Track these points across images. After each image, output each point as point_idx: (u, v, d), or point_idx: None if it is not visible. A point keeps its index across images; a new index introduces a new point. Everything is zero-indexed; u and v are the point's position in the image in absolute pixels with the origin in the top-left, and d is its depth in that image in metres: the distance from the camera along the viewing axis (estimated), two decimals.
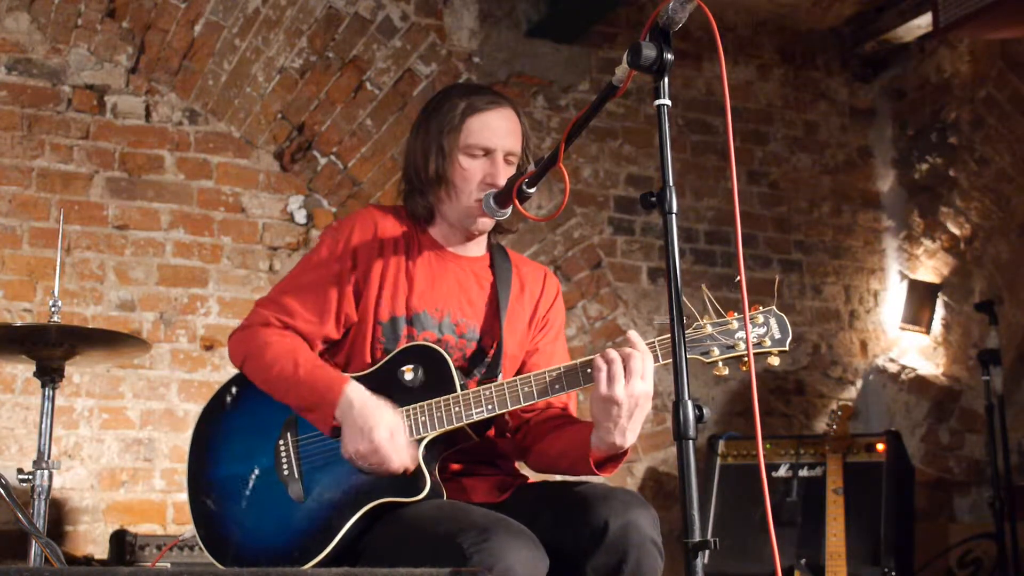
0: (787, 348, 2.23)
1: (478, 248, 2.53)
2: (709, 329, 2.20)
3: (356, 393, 2.25)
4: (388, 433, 2.20)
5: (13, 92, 4.59)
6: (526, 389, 2.23)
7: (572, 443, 2.30)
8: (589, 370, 2.17)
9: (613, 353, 2.14)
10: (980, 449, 5.43)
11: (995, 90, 5.40)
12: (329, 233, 2.47)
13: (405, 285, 2.41)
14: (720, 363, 2.20)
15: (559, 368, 2.23)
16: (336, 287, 2.39)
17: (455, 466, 2.38)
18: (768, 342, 2.22)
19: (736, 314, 2.21)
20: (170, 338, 4.70)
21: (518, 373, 2.49)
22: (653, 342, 2.20)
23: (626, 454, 2.23)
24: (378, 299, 2.39)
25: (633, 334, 2.17)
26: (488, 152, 2.41)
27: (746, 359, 2.15)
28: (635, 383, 2.11)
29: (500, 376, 2.39)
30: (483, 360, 2.43)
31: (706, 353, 2.20)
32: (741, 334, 2.19)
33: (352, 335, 2.42)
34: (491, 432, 2.40)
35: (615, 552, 2.11)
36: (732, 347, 2.19)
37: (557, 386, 2.22)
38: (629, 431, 2.15)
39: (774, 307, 2.25)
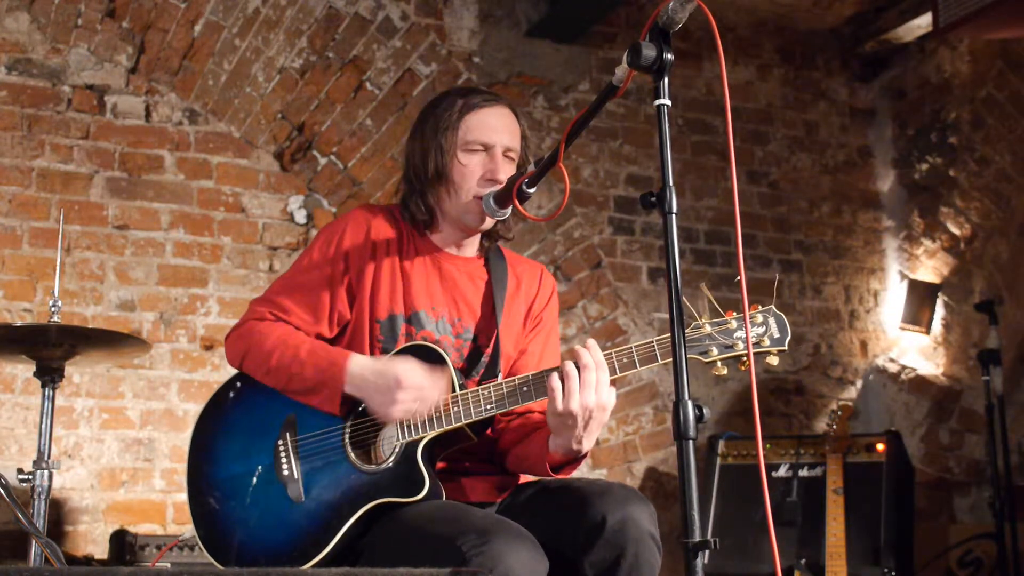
0: (786, 348, 2.22)
1: (472, 247, 2.53)
2: (708, 329, 2.20)
3: (361, 364, 2.27)
4: (415, 379, 2.22)
5: (13, 92, 4.59)
6: (524, 389, 2.24)
7: (534, 447, 2.33)
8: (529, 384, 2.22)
9: (570, 367, 2.16)
10: (980, 449, 5.43)
11: (995, 90, 5.40)
12: (322, 235, 2.47)
13: (401, 284, 2.42)
14: (719, 363, 2.19)
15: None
16: (329, 288, 2.40)
17: (454, 466, 2.38)
18: (767, 342, 2.22)
19: (735, 314, 2.20)
20: (170, 338, 4.70)
21: (511, 373, 2.50)
22: (652, 342, 2.20)
23: (584, 457, 2.26)
24: (374, 298, 2.40)
25: (592, 344, 2.19)
26: (487, 148, 2.42)
27: (745, 359, 2.15)
28: (588, 396, 2.14)
29: (500, 376, 2.39)
30: (480, 360, 2.43)
31: (705, 353, 2.19)
32: (740, 334, 2.19)
33: (350, 334, 2.42)
34: (489, 432, 2.41)
35: (613, 547, 2.12)
36: (731, 347, 2.19)
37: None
38: (586, 439, 2.19)
39: (773, 306, 2.25)
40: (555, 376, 2.17)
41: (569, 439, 2.19)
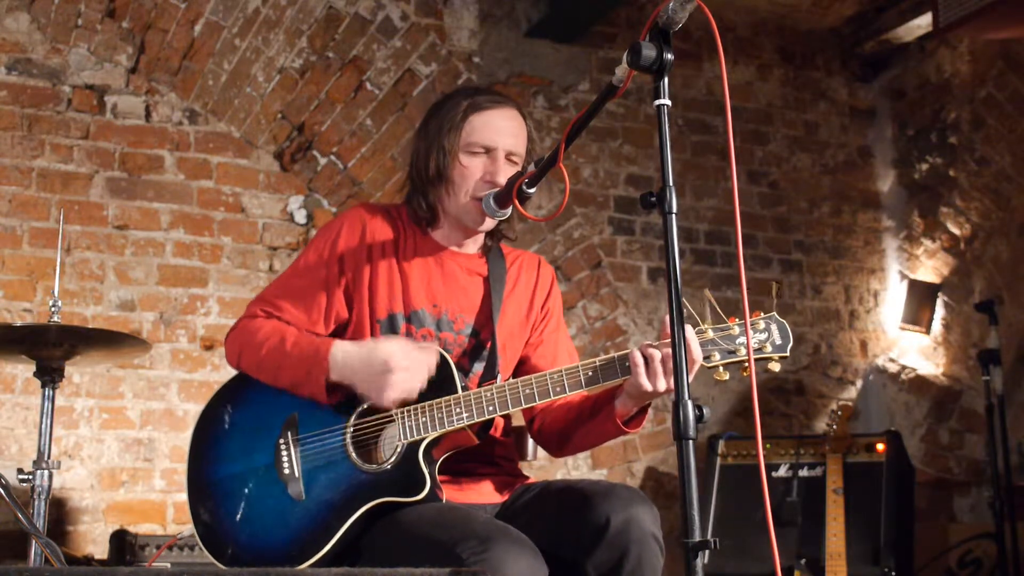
0: (787, 354, 2.22)
1: (474, 245, 2.53)
2: (710, 334, 2.20)
3: (346, 349, 2.27)
4: (404, 360, 2.22)
5: (13, 92, 4.59)
6: (527, 391, 2.23)
7: (591, 415, 2.36)
8: (591, 373, 2.20)
9: (651, 350, 2.16)
10: (980, 449, 5.43)
11: (995, 90, 5.40)
12: (318, 236, 2.48)
13: (399, 283, 2.42)
14: (721, 368, 2.20)
15: (560, 371, 2.24)
16: (324, 290, 2.40)
17: (456, 467, 2.38)
18: (769, 348, 2.22)
19: (738, 320, 2.20)
20: (170, 338, 4.70)
21: (520, 365, 2.51)
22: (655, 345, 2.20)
23: (649, 406, 2.31)
24: (373, 299, 2.40)
25: (689, 331, 2.17)
26: (489, 150, 2.41)
27: (747, 364, 2.15)
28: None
29: (498, 372, 2.39)
30: (480, 356, 2.44)
31: (707, 358, 2.19)
32: (742, 339, 2.19)
33: (351, 335, 2.42)
34: (493, 432, 2.41)
35: (616, 548, 2.12)
36: (733, 352, 2.19)
37: (558, 388, 2.23)
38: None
39: (775, 313, 2.25)
40: (638, 354, 2.16)
41: (642, 400, 2.25)
